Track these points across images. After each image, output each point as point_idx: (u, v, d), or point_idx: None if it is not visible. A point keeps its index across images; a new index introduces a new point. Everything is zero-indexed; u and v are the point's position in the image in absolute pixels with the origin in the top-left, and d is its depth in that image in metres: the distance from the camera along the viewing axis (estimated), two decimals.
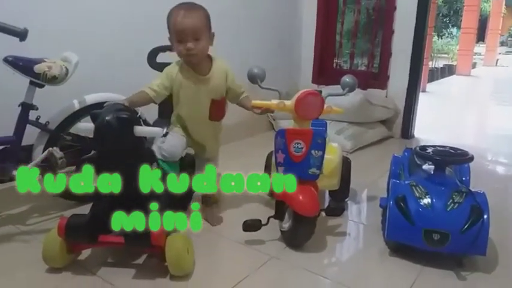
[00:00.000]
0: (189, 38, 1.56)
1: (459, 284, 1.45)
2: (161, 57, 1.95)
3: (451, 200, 1.51)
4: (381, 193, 2.06)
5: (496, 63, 12.36)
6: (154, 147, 1.68)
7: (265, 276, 1.48)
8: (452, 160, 1.62)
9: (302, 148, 1.53)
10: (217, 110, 1.75)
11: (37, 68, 1.59)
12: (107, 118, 1.34)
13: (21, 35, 1.52)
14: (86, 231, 1.42)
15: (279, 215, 1.63)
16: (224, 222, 1.86)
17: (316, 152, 1.54)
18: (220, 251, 1.66)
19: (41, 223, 1.83)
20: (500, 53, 13.76)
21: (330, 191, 2.02)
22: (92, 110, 1.80)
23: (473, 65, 10.54)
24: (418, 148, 1.68)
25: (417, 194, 1.56)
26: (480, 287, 1.45)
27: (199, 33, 1.57)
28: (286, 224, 1.60)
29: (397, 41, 3.28)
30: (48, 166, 1.74)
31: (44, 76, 1.60)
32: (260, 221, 1.63)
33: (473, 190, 1.58)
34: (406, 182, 1.65)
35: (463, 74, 9.68)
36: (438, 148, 1.67)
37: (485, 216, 1.47)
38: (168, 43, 1.85)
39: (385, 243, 1.67)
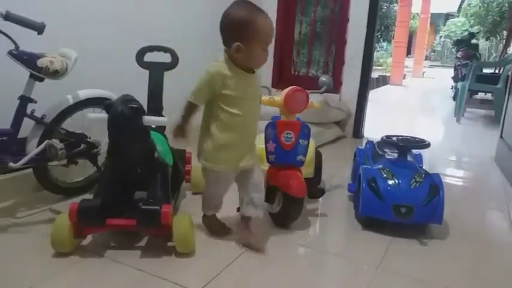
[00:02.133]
0: (269, 43, 1.50)
1: (422, 249, 1.73)
2: (148, 57, 2.08)
3: (413, 180, 1.80)
4: (344, 182, 2.35)
5: (423, 75, 13.56)
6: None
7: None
8: (414, 146, 1.92)
9: (291, 138, 1.75)
10: None
11: (40, 62, 1.66)
12: (121, 108, 1.45)
13: (40, 28, 1.59)
14: (98, 214, 1.51)
15: (269, 199, 1.82)
16: None
17: (303, 141, 1.77)
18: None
19: (31, 216, 1.86)
20: (425, 66, 15.08)
21: (304, 178, 2.25)
22: (87, 105, 1.92)
23: (404, 76, 11.49)
24: (384, 137, 1.97)
25: (385, 176, 1.83)
26: (438, 250, 1.74)
27: None
28: (277, 207, 1.80)
29: (349, 50, 3.63)
30: (43, 158, 1.80)
31: (46, 70, 1.67)
32: None
33: (430, 172, 1.89)
34: (375, 167, 1.93)
35: (396, 84, 10.53)
36: (400, 137, 1.97)
37: (441, 192, 1.78)
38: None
39: (357, 220, 1.93)
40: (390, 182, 1.81)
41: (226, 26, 1.46)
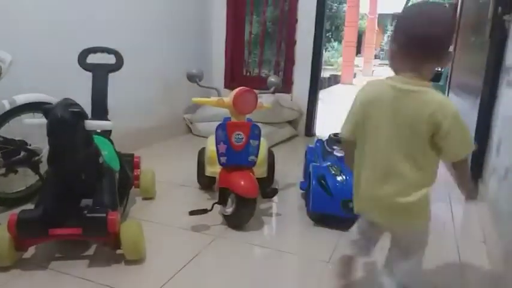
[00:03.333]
0: None
1: None
2: (92, 58, 2.01)
3: None
4: (297, 180, 2.38)
5: (372, 74, 14.05)
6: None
7: (214, 252, 1.66)
8: None
9: (242, 138, 1.76)
10: None
11: None
12: (60, 113, 1.39)
13: None
14: (39, 225, 1.44)
15: (222, 201, 1.81)
16: (165, 214, 1.98)
17: (254, 141, 1.79)
18: (168, 236, 1.78)
19: None
20: (374, 65, 15.63)
21: (257, 179, 2.26)
22: (26, 110, 1.83)
23: (354, 75, 11.84)
24: (331, 135, 2.02)
25: (334, 172, 1.88)
26: (385, 242, 1.80)
27: None
28: (230, 209, 1.79)
29: (299, 51, 3.69)
30: None
31: None
32: (206, 209, 1.80)
33: None
34: (324, 164, 1.97)
35: (347, 82, 10.85)
36: None
37: None
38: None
39: (309, 216, 1.97)
40: (339, 178, 1.85)
41: (448, 31, 1.12)
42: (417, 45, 1.09)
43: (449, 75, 3.33)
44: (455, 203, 2.29)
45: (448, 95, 3.28)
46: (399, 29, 1.13)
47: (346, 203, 1.79)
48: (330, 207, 1.82)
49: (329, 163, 1.96)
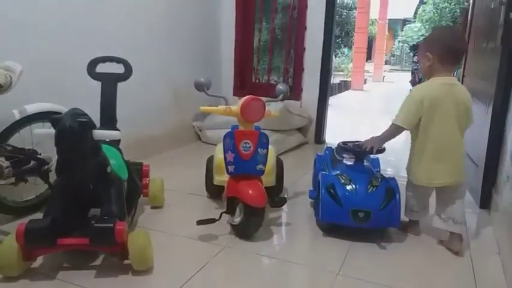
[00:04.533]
0: None
1: (381, 253, 1.76)
2: (101, 68, 2.02)
3: (370, 184, 1.83)
4: (306, 188, 2.35)
5: (383, 79, 13.96)
6: None
7: (222, 262, 1.65)
8: (370, 151, 1.95)
9: (250, 147, 1.74)
10: None
11: None
12: (68, 123, 1.39)
13: None
14: (47, 235, 1.44)
15: (230, 210, 1.80)
16: (173, 224, 1.98)
17: (262, 150, 1.77)
18: (176, 246, 1.77)
19: None
20: (385, 71, 15.54)
21: (266, 187, 2.24)
22: (36, 119, 1.85)
23: (365, 81, 11.78)
24: (341, 143, 1.99)
25: (343, 181, 1.85)
26: (396, 253, 1.77)
27: None
28: (238, 218, 1.77)
29: (308, 57, 3.67)
30: None
31: None
32: (214, 218, 1.78)
33: (386, 176, 1.93)
34: (333, 173, 1.94)
35: (357, 88, 10.78)
36: (356, 143, 1.99)
37: (397, 196, 1.81)
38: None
39: (318, 226, 1.94)
40: (348, 187, 1.83)
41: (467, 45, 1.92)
42: (455, 56, 1.72)
43: (460, 82, 3.27)
44: (469, 214, 2.24)
45: None
46: (439, 46, 1.69)
47: (356, 212, 1.76)
48: (339, 217, 1.80)
49: (338, 172, 1.93)
